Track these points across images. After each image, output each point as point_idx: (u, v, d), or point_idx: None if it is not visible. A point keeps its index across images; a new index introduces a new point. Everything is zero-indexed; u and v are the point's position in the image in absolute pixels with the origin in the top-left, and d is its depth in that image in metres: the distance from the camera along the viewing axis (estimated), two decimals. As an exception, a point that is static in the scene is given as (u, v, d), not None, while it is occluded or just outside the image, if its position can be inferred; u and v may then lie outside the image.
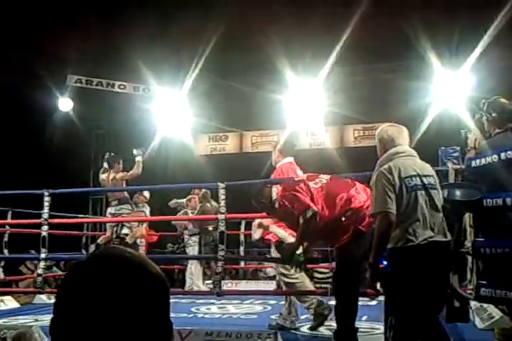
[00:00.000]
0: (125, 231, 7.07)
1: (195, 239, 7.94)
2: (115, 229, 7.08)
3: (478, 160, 4.02)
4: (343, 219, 3.72)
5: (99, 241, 7.36)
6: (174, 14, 9.54)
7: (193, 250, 7.90)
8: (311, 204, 3.71)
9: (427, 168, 3.16)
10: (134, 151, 7.26)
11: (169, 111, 10.47)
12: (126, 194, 7.27)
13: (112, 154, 7.71)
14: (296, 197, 3.75)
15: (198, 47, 9.61)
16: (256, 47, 9.60)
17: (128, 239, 7.08)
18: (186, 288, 7.66)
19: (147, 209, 7.92)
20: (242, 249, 8.56)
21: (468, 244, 4.23)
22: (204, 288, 7.48)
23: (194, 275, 7.68)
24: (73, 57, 9.71)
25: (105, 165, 7.48)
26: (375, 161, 3.22)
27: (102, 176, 7.32)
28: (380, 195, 2.94)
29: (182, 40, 9.65)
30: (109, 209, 7.16)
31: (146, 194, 8.06)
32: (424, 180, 3.02)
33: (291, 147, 4.77)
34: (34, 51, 9.56)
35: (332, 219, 3.74)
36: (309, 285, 4.64)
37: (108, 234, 7.25)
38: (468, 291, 4.06)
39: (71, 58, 9.80)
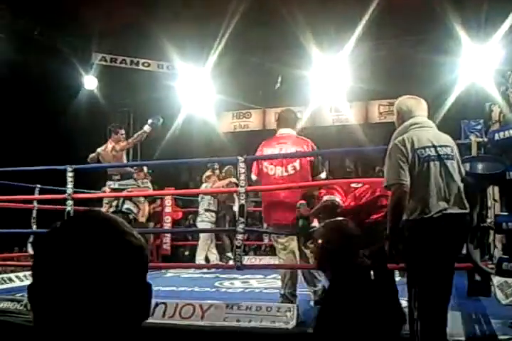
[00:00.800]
0: (128, 206, 6.65)
1: (210, 215, 7.94)
2: (115, 203, 6.58)
3: (501, 133, 3.94)
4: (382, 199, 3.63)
5: None
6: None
7: (205, 226, 7.89)
8: (336, 194, 3.70)
9: (444, 138, 3.11)
10: (149, 120, 6.85)
11: (193, 88, 10.46)
12: (129, 168, 7.01)
13: (113, 124, 7.30)
14: (334, 189, 3.76)
15: (221, 23, 9.53)
16: (280, 23, 9.49)
17: (140, 218, 6.83)
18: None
19: (150, 186, 7.68)
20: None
21: (490, 218, 4.18)
22: (202, 262, 7.50)
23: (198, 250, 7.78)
24: (98, 34, 9.76)
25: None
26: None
27: (98, 149, 6.80)
28: (394, 167, 2.94)
29: (205, 17, 9.58)
30: (111, 184, 6.55)
31: (146, 170, 7.89)
32: (440, 150, 2.98)
33: (284, 119, 4.65)
34: (59, 28, 9.63)
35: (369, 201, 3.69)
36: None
37: (104, 210, 6.64)
38: (490, 266, 4.02)
39: (95, 36, 9.85)
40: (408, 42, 9.95)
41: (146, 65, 10.39)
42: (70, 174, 4.98)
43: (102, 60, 10.17)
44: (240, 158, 4.57)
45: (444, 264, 2.93)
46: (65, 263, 0.81)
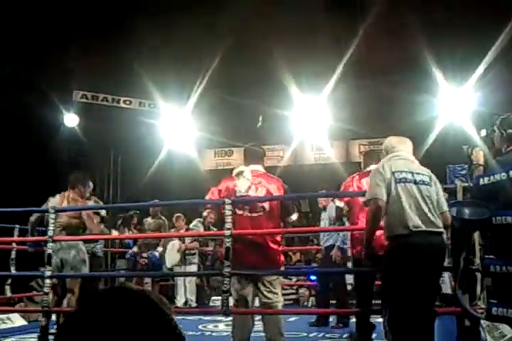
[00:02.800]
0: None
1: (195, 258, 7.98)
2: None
3: (486, 178, 4.00)
4: None
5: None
6: (180, 30, 9.60)
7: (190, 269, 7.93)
8: None
9: (423, 169, 3.43)
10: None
11: (175, 126, 10.49)
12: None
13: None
14: None
15: (203, 63, 9.66)
16: (261, 63, 9.65)
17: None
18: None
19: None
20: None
21: (477, 261, 4.19)
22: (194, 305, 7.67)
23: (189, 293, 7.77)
24: (79, 72, 9.78)
25: None
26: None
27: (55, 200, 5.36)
28: (372, 186, 3.29)
29: (187, 57, 9.71)
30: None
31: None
32: (416, 176, 3.29)
33: (254, 155, 4.55)
34: (40, 67, 9.63)
35: None
36: None
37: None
38: (480, 310, 4.01)
39: (77, 74, 9.87)
40: (387, 83, 10.16)
41: (127, 102, 10.43)
42: (52, 216, 4.88)
43: (83, 98, 10.19)
44: (226, 200, 4.51)
45: (419, 282, 3.13)
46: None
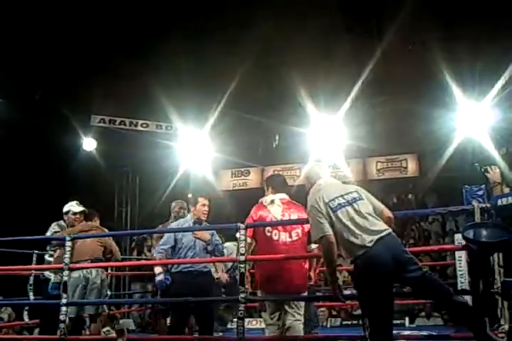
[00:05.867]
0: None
1: None
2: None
3: (504, 199, 3.93)
4: None
5: None
6: (196, 53, 9.67)
7: None
8: None
9: (349, 187, 3.64)
10: None
11: (191, 147, 10.53)
12: None
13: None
14: None
15: (221, 84, 9.69)
16: (278, 83, 9.66)
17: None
18: None
19: None
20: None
21: (498, 284, 4.07)
22: None
23: None
24: (97, 97, 9.90)
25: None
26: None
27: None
28: (315, 224, 3.44)
29: (204, 78, 9.76)
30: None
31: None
32: (347, 197, 3.47)
33: (279, 184, 4.64)
34: (59, 91, 9.78)
35: None
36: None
37: None
38: (500, 335, 3.89)
39: (95, 98, 9.99)
40: (404, 98, 10.07)
41: (144, 125, 10.52)
42: (68, 243, 4.88)
43: (100, 122, 10.30)
44: (241, 225, 4.46)
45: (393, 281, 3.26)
46: None
